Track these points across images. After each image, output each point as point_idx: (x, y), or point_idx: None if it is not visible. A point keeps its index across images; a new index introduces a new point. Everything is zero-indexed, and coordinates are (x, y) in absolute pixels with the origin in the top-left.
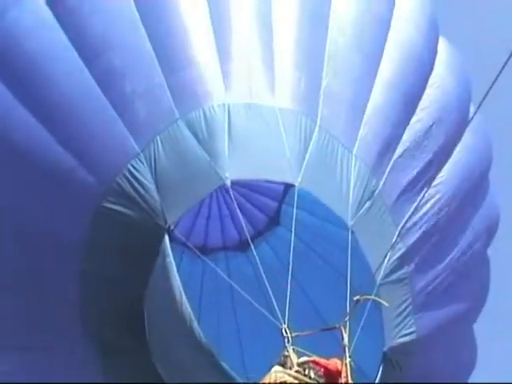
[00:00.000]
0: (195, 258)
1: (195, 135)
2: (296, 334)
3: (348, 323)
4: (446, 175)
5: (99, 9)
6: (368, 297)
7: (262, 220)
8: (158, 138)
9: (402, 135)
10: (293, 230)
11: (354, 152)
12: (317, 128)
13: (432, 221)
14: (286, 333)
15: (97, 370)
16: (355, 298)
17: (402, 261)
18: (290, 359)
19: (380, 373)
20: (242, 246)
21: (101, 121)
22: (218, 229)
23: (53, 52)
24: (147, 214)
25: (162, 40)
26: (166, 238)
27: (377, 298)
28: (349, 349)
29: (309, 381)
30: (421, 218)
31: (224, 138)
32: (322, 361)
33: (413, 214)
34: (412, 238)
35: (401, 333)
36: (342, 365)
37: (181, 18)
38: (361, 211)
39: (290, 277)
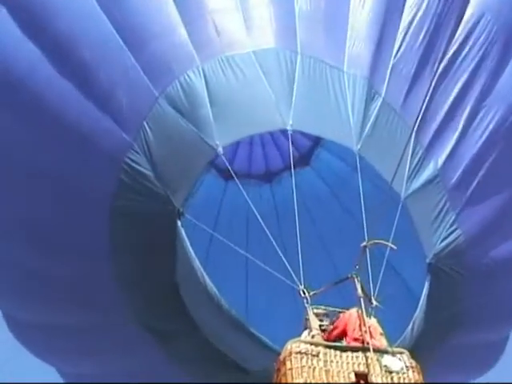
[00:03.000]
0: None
1: (178, 110)
2: (313, 292)
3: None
4: (453, 51)
5: (59, 9)
6: (376, 241)
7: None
8: (145, 123)
9: (396, 29)
10: (293, 188)
11: (345, 69)
12: (298, 57)
13: (450, 104)
14: (304, 293)
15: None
16: (362, 245)
17: (426, 160)
18: (309, 322)
19: (427, 289)
20: (268, 178)
21: (88, 122)
22: (261, 155)
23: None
24: (155, 202)
25: (123, 20)
26: (179, 223)
27: (384, 242)
28: (363, 298)
29: (327, 343)
30: (436, 109)
31: (206, 103)
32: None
33: (427, 107)
34: (431, 131)
35: (442, 235)
36: (358, 316)
37: None
38: (366, 130)
39: (298, 241)
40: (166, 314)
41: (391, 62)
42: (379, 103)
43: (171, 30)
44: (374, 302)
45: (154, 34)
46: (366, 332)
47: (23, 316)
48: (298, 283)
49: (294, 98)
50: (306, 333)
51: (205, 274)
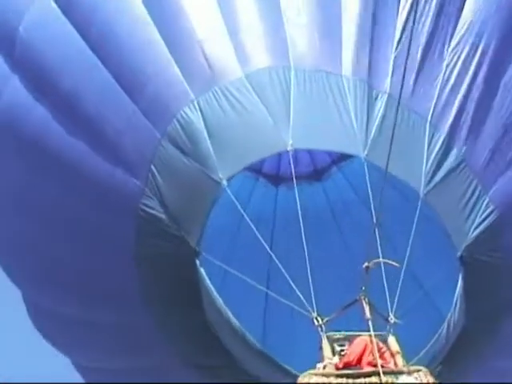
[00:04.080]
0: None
1: (180, 148)
2: (326, 319)
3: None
4: (461, 32)
5: (61, 68)
6: (377, 260)
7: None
8: (153, 166)
9: (393, 21)
10: (296, 196)
11: (343, 72)
12: (292, 72)
13: (466, 85)
14: (318, 321)
15: None
16: (364, 266)
17: (448, 147)
18: (322, 353)
19: (461, 285)
20: (317, 176)
21: (102, 174)
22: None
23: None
24: (173, 244)
25: (119, 67)
26: (197, 262)
27: (386, 261)
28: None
29: (338, 372)
30: (450, 93)
31: (205, 138)
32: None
33: (441, 91)
34: (449, 116)
35: (476, 222)
36: (368, 341)
37: (127, 32)
38: (372, 133)
39: (308, 265)
40: (204, 350)
41: (392, 56)
42: (384, 101)
43: (163, 69)
44: (392, 319)
45: (149, 75)
46: (376, 356)
47: (78, 360)
48: (311, 311)
49: (291, 116)
50: (319, 364)
51: (227, 309)
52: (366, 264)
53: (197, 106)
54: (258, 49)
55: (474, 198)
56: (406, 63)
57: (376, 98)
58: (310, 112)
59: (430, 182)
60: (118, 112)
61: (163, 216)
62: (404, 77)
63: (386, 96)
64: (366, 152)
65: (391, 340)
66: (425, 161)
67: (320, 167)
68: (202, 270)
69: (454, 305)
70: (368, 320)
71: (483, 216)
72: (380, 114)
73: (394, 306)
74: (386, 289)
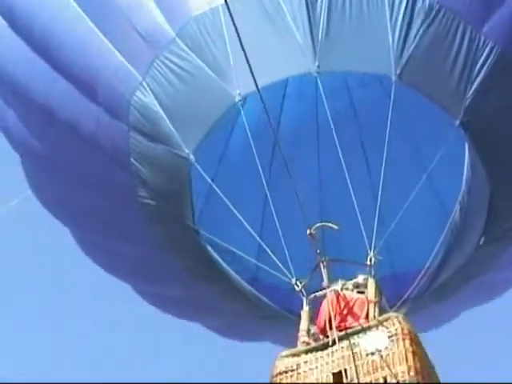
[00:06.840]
0: None
1: (144, 134)
2: (303, 283)
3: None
4: None
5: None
6: (318, 224)
7: None
8: (132, 159)
9: None
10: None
11: None
12: (220, 11)
13: None
14: (298, 286)
15: None
16: (308, 233)
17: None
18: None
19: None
20: None
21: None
22: None
23: None
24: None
25: (73, 72)
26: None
27: (327, 224)
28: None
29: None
30: None
31: (163, 118)
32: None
33: None
34: None
35: (474, 72)
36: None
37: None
38: (319, 39)
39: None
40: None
41: None
42: None
43: (107, 58)
44: (372, 259)
45: (97, 68)
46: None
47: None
48: (290, 276)
49: (231, 62)
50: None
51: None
52: (309, 231)
53: (147, 87)
54: (183, 3)
55: (466, 41)
56: None
57: None
58: (250, 47)
59: (401, 54)
60: (87, 116)
61: (154, 203)
62: None
63: None
64: (316, 63)
65: (370, 285)
66: (390, 28)
67: None
68: (210, 248)
69: (464, 182)
70: (327, 286)
71: (482, 58)
72: (324, 10)
73: (373, 243)
74: (362, 226)
